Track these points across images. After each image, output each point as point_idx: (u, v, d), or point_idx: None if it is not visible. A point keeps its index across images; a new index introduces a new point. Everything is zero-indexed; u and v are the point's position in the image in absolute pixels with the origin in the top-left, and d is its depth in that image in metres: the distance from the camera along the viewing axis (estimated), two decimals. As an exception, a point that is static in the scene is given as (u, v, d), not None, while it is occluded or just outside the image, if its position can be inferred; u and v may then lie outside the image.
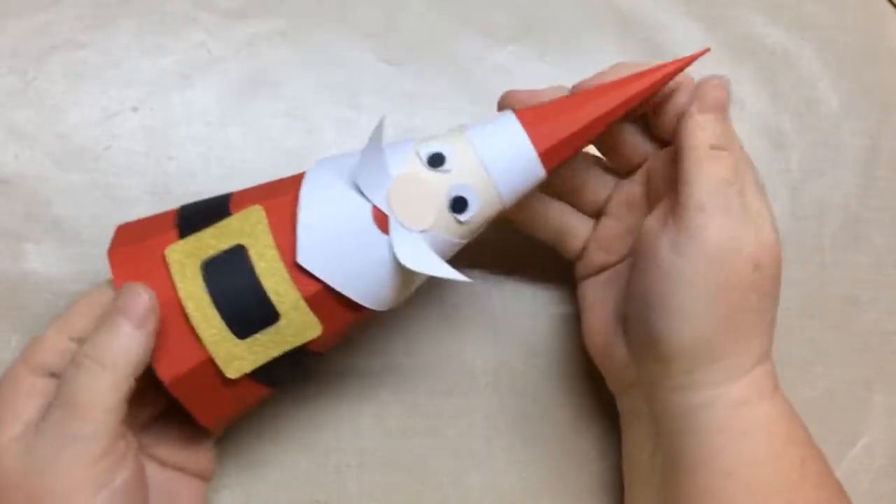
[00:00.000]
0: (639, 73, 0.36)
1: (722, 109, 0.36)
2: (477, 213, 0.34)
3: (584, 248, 0.41)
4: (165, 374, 0.32)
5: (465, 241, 0.36)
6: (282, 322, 0.33)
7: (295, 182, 0.34)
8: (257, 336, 0.33)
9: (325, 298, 0.33)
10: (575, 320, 0.45)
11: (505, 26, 0.47)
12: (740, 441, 0.35)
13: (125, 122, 0.43)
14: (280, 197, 0.34)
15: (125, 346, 0.31)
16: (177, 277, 0.32)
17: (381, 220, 0.33)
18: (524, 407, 0.44)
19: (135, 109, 0.44)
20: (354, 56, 0.46)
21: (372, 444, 0.42)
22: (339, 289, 0.33)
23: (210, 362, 0.33)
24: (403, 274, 0.34)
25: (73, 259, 0.42)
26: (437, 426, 0.42)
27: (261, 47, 0.45)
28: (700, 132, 0.35)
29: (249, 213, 0.33)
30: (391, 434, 0.42)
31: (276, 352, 0.33)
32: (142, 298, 0.32)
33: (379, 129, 0.32)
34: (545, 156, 0.35)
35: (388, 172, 0.33)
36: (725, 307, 0.34)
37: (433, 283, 0.44)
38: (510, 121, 0.35)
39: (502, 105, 0.38)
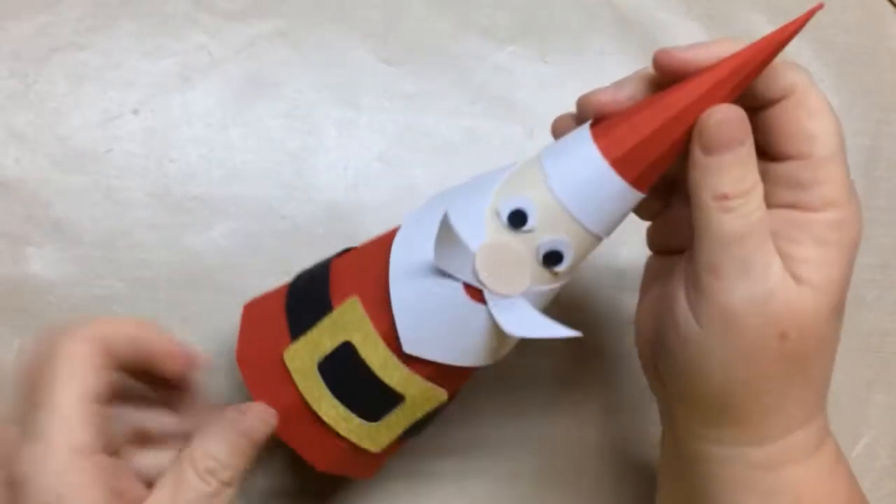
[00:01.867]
0: (732, 55, 0.30)
1: (732, 146, 0.30)
2: (573, 261, 0.32)
3: (656, 217, 0.37)
4: (322, 465, 0.35)
5: (564, 283, 0.34)
6: (407, 402, 0.34)
7: (384, 255, 0.33)
8: (389, 417, 0.34)
9: (441, 371, 0.33)
10: (574, 320, 0.45)
11: (505, 26, 0.47)
12: (766, 501, 0.32)
13: (126, 125, 0.43)
14: (372, 283, 0.33)
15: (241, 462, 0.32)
16: (300, 383, 0.33)
17: (476, 293, 0.31)
18: (525, 408, 0.44)
19: (135, 111, 0.44)
20: (354, 56, 0.46)
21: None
22: (451, 363, 0.33)
23: (353, 445, 0.34)
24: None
25: (74, 261, 0.42)
26: (438, 428, 0.42)
27: (261, 48, 0.45)
28: (705, 180, 0.30)
29: (348, 307, 0.33)
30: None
31: (409, 422, 0.35)
32: (269, 426, 0.33)
33: (446, 221, 0.30)
34: (630, 172, 0.30)
35: (468, 249, 0.31)
36: (747, 375, 0.30)
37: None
38: (585, 141, 0.31)
39: (583, 109, 0.33)
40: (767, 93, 0.31)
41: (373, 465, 0.37)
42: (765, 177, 0.31)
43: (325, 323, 0.33)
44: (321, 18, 0.46)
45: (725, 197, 0.29)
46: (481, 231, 0.31)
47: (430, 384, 0.33)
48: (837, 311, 0.31)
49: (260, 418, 0.33)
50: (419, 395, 0.34)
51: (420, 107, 0.46)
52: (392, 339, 0.32)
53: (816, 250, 0.30)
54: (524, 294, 0.32)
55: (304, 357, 0.33)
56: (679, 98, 0.30)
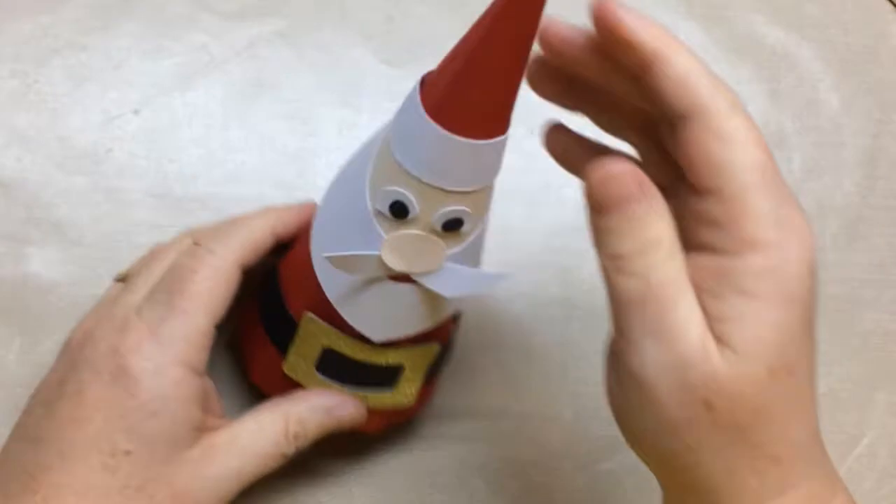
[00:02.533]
0: None
1: (621, 206, 0.26)
2: (475, 216, 0.32)
3: None
4: (371, 428, 0.38)
5: (483, 226, 0.34)
6: (407, 366, 0.36)
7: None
8: (400, 382, 0.36)
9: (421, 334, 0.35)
10: (574, 321, 0.45)
11: (505, 27, 0.47)
12: None
13: (126, 125, 0.43)
14: (315, 292, 0.34)
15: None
16: (311, 385, 0.36)
17: (403, 277, 0.32)
18: (525, 407, 0.44)
19: (136, 112, 0.44)
20: (355, 57, 0.46)
21: (374, 445, 0.42)
22: (424, 331, 0.34)
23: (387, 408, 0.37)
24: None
25: (75, 262, 0.42)
26: (439, 428, 0.42)
27: (261, 49, 0.45)
28: (599, 238, 0.27)
29: (306, 322, 0.35)
30: (393, 436, 0.42)
31: (423, 373, 0.37)
32: (356, 421, 0.36)
33: (330, 259, 0.32)
34: (456, 121, 0.29)
35: (372, 255, 0.32)
36: (680, 447, 0.27)
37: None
38: (416, 105, 0.30)
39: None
40: (672, 110, 0.27)
41: (416, 405, 0.39)
42: (687, 212, 0.27)
43: (300, 336, 0.35)
44: (322, 19, 0.46)
45: (620, 257, 0.26)
46: (376, 229, 0.31)
47: (418, 346, 0.35)
48: (782, 373, 0.26)
49: (356, 411, 0.35)
50: (416, 356, 0.35)
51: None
52: (359, 334, 0.34)
53: (740, 304, 0.25)
54: (449, 259, 0.32)
55: (301, 366, 0.35)
56: (473, 33, 0.29)
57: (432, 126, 0.29)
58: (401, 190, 0.30)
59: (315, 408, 0.34)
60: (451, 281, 0.33)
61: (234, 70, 0.45)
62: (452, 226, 0.31)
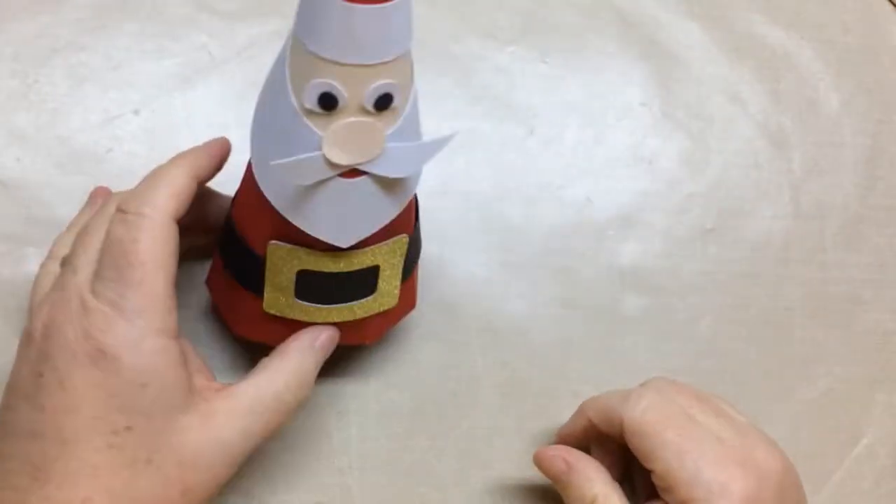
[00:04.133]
0: None
1: (557, 476, 0.37)
2: (404, 89, 0.32)
3: None
4: (370, 338, 0.39)
5: (413, 99, 0.34)
6: (383, 265, 0.36)
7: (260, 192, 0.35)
8: (381, 283, 0.37)
9: (385, 230, 0.35)
10: (574, 321, 0.45)
11: (505, 27, 0.47)
12: None
13: (126, 125, 0.43)
14: (272, 216, 0.34)
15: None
16: (295, 315, 0.36)
17: (351, 172, 0.32)
18: (525, 406, 0.44)
19: (136, 112, 0.44)
20: (355, 57, 0.46)
21: (374, 445, 0.42)
22: (387, 222, 0.34)
23: (379, 314, 0.38)
24: (399, 182, 0.34)
25: (74, 262, 0.42)
26: (440, 428, 0.42)
27: (261, 49, 0.45)
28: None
29: (272, 251, 0.34)
30: (394, 436, 0.42)
31: (400, 268, 0.37)
32: (334, 341, 0.37)
33: (273, 166, 0.32)
34: None
35: (315, 156, 0.32)
36: None
37: (432, 282, 0.44)
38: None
39: None
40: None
41: (408, 301, 0.40)
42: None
43: (270, 269, 0.35)
44: (321, 19, 0.46)
45: None
46: (311, 130, 0.31)
47: (387, 242, 0.35)
48: None
49: (331, 337, 0.36)
50: (387, 253, 0.36)
51: (421, 107, 0.46)
52: (326, 244, 0.34)
53: None
54: (391, 139, 0.32)
55: (279, 300, 0.36)
56: None
57: (334, 2, 0.29)
58: (323, 80, 0.30)
59: (301, 349, 0.35)
60: (398, 161, 0.33)
61: (233, 70, 0.45)
62: (384, 102, 0.31)
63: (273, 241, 0.34)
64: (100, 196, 0.40)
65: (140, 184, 0.34)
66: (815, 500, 0.45)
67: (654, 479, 0.35)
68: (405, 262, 0.37)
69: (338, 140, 0.31)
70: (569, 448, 0.38)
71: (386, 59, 0.31)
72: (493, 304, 0.45)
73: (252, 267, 0.35)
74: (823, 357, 0.47)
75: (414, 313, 0.41)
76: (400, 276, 0.37)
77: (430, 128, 0.46)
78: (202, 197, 0.39)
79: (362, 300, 0.36)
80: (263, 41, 0.45)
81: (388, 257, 0.36)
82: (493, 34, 0.47)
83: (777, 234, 0.47)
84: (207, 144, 0.37)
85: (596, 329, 0.45)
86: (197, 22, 0.45)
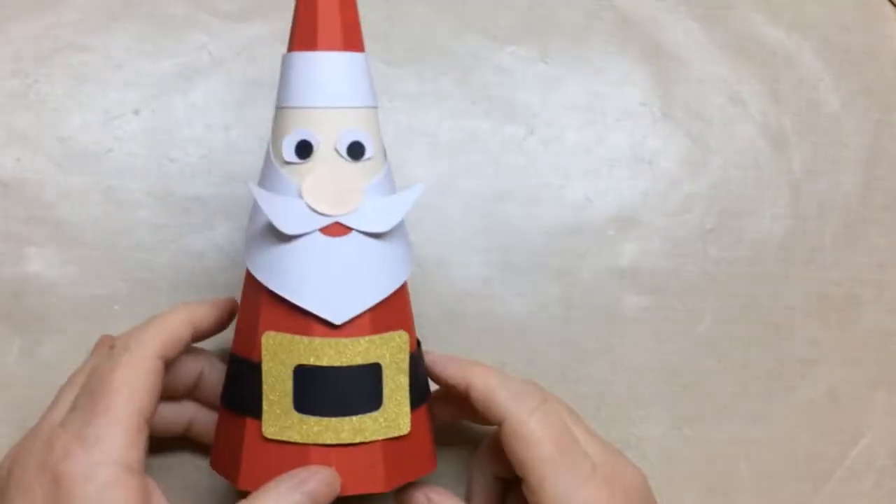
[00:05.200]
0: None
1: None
2: (374, 138, 0.34)
3: None
4: (385, 485, 0.34)
5: (388, 165, 0.36)
6: (385, 364, 0.34)
7: (248, 283, 0.35)
8: (386, 392, 0.34)
9: (380, 316, 0.34)
10: (574, 321, 0.45)
11: (505, 27, 0.47)
12: None
13: (126, 125, 0.43)
14: (263, 304, 0.34)
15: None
16: (299, 437, 0.33)
17: (332, 229, 0.33)
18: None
19: (136, 112, 0.44)
20: (355, 58, 0.46)
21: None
22: (380, 298, 0.34)
23: (388, 442, 0.35)
24: (389, 242, 0.35)
25: (75, 262, 0.42)
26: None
27: (261, 49, 0.45)
28: None
29: (266, 343, 0.33)
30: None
31: (405, 382, 0.35)
32: (333, 490, 0.33)
33: (255, 193, 0.34)
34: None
35: (294, 199, 0.33)
36: None
37: (432, 282, 0.44)
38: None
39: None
40: (488, 421, 0.35)
41: (424, 453, 0.36)
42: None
43: (266, 372, 0.33)
44: (321, 19, 0.46)
45: None
46: (291, 182, 0.33)
47: (385, 334, 0.34)
48: None
49: (325, 481, 0.32)
50: (387, 348, 0.34)
51: (421, 108, 0.46)
52: (320, 327, 0.33)
53: None
54: (368, 192, 0.33)
55: (279, 417, 0.33)
56: None
57: (300, 55, 0.34)
58: (297, 128, 0.33)
59: (286, 492, 0.32)
60: (377, 214, 0.34)
61: (233, 70, 0.45)
62: (357, 150, 0.33)
63: (267, 332, 0.33)
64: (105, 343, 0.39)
65: (139, 324, 0.34)
66: (814, 500, 0.45)
67: (525, 490, 0.34)
68: (411, 380, 0.35)
69: (316, 185, 0.33)
70: (437, 489, 0.37)
71: (353, 104, 0.34)
72: (492, 304, 0.45)
73: (248, 380, 0.34)
74: (823, 357, 0.47)
75: (414, 314, 0.42)
76: (407, 393, 0.35)
77: (431, 128, 0.46)
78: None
79: (367, 414, 0.34)
80: (263, 41, 0.45)
81: (388, 353, 0.34)
82: (492, 34, 0.47)
83: (777, 235, 0.47)
84: (213, 300, 0.36)
85: (596, 329, 0.45)
86: (197, 22, 0.45)
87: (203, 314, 0.35)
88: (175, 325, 0.34)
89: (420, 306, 0.42)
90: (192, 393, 0.37)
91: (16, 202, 0.42)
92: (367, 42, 0.46)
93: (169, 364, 0.33)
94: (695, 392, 0.45)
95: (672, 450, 0.45)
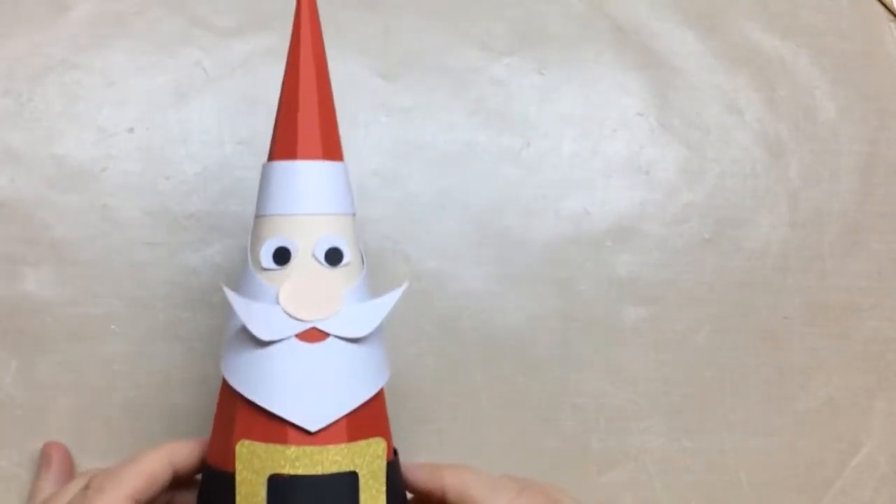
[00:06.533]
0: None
1: None
2: (351, 244, 0.34)
3: None
4: None
5: (365, 270, 0.35)
6: (362, 473, 0.33)
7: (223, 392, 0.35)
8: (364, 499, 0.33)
9: (356, 423, 0.33)
10: (572, 333, 0.45)
11: (501, 39, 0.47)
12: None
13: (121, 143, 0.43)
14: (238, 414, 0.33)
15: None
16: None
17: (308, 335, 0.33)
18: (525, 420, 0.44)
19: (131, 130, 0.44)
20: (350, 71, 0.46)
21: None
22: (357, 404, 0.33)
23: None
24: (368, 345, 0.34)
25: (70, 281, 0.42)
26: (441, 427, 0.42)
27: (256, 65, 0.45)
28: None
29: (241, 453, 0.32)
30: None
31: (382, 490, 0.34)
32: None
33: (230, 297, 0.33)
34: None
35: (271, 305, 0.33)
36: None
37: (430, 295, 0.44)
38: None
39: None
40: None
41: None
42: None
43: (240, 482, 0.32)
44: (316, 32, 0.46)
45: None
46: (269, 288, 0.33)
47: (362, 442, 0.33)
48: None
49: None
50: (363, 456, 0.33)
51: (417, 120, 0.46)
52: (295, 435, 0.32)
53: None
54: (347, 298, 0.33)
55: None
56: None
57: (278, 164, 0.34)
58: (274, 236, 0.33)
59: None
60: (355, 319, 0.33)
61: (228, 86, 0.44)
62: (335, 256, 0.33)
63: (242, 441, 0.32)
64: (53, 452, 0.40)
65: (118, 462, 0.34)
66: (815, 510, 0.45)
67: None
68: (388, 489, 0.33)
69: (295, 291, 0.33)
70: None
71: (329, 211, 0.34)
72: (491, 316, 0.45)
73: (223, 495, 0.33)
74: (823, 366, 0.47)
75: (412, 327, 0.42)
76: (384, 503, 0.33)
77: (427, 140, 0.46)
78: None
79: None
80: (258, 57, 0.45)
81: (365, 462, 0.33)
82: (488, 46, 0.47)
83: (775, 243, 0.47)
84: (195, 439, 0.35)
85: (595, 340, 0.45)
86: (191, 38, 0.45)
87: (185, 454, 0.34)
88: (154, 467, 0.33)
89: (418, 320, 0.42)
90: None
91: (10, 222, 0.42)
92: (362, 55, 0.46)
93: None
94: (694, 402, 0.45)
95: (672, 460, 0.44)
